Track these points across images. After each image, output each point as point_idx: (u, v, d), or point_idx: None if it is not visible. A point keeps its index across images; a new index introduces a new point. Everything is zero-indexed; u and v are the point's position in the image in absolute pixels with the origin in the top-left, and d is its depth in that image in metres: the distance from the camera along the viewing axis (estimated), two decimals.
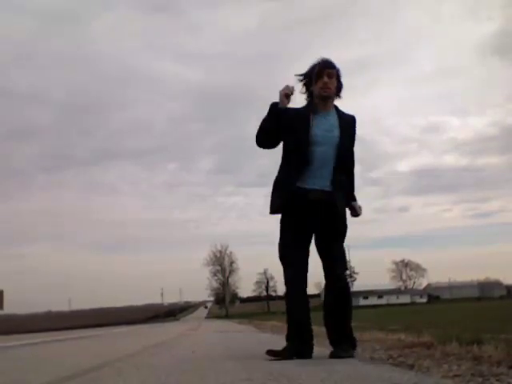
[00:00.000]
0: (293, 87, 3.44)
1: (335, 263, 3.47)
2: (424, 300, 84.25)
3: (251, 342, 6.19)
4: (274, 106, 3.44)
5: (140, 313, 75.36)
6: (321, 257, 3.50)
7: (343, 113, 3.56)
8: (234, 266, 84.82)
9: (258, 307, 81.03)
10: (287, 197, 3.40)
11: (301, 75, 3.51)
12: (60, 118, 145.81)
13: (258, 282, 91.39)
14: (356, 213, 3.65)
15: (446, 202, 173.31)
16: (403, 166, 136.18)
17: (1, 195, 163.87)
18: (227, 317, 59.18)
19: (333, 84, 3.43)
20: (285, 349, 3.37)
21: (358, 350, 3.82)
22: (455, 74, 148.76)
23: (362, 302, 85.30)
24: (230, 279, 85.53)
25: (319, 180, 3.40)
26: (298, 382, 2.33)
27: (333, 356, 3.31)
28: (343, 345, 3.38)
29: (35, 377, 3.09)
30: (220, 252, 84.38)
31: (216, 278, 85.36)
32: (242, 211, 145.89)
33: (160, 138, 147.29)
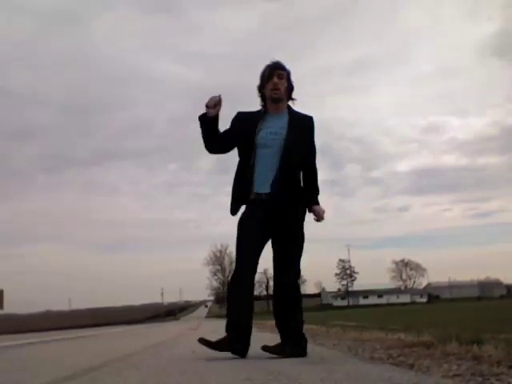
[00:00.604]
0: (216, 97, 3.45)
1: (281, 271, 3.59)
2: (424, 300, 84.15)
3: (251, 341, 6.16)
4: (201, 116, 3.50)
5: (140, 312, 75.32)
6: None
7: (298, 113, 3.55)
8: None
9: (257, 307, 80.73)
10: (242, 198, 3.53)
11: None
12: (60, 118, 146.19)
13: (257, 282, 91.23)
14: (319, 217, 3.59)
15: (446, 202, 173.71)
16: (403, 166, 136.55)
17: (1, 195, 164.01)
18: None
19: (283, 85, 3.46)
20: (219, 341, 3.52)
21: (359, 349, 3.83)
22: (455, 74, 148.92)
23: (362, 301, 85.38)
24: (229, 279, 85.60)
25: (264, 183, 3.42)
26: (298, 381, 2.32)
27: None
28: (290, 342, 3.53)
29: (35, 377, 3.08)
30: (220, 252, 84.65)
31: (216, 277, 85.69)
32: (242, 211, 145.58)
33: (160, 138, 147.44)
